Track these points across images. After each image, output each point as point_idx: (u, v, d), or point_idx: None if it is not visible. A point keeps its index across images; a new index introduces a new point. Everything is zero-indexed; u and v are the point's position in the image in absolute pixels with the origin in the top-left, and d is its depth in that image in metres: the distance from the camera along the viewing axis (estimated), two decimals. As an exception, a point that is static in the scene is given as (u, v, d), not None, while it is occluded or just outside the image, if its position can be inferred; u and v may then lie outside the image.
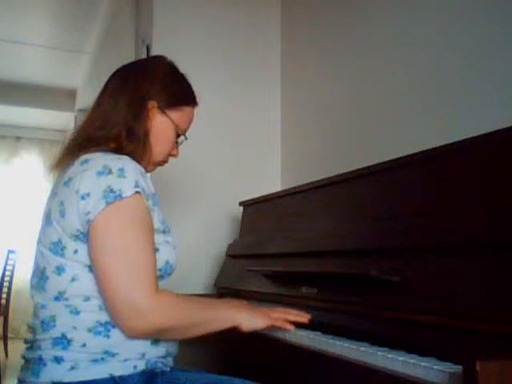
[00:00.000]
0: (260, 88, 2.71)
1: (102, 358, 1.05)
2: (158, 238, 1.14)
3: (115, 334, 1.07)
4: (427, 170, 1.29)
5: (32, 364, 1.09)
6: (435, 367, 0.84)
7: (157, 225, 1.15)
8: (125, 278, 1.03)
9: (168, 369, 1.16)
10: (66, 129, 6.47)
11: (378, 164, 1.47)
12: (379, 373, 0.95)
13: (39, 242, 1.15)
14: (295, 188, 1.89)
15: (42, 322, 1.09)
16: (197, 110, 1.36)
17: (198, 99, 1.35)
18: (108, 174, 1.07)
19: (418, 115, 1.79)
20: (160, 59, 1.35)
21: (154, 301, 1.04)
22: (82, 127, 1.25)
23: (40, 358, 1.07)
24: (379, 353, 0.97)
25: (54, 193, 1.15)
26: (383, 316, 1.18)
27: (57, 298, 1.09)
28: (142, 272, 1.04)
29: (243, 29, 2.70)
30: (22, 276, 5.58)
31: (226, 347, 1.64)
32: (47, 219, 1.13)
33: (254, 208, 2.18)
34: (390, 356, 0.94)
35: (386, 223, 1.34)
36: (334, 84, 2.31)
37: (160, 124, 1.26)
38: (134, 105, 1.22)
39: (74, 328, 1.06)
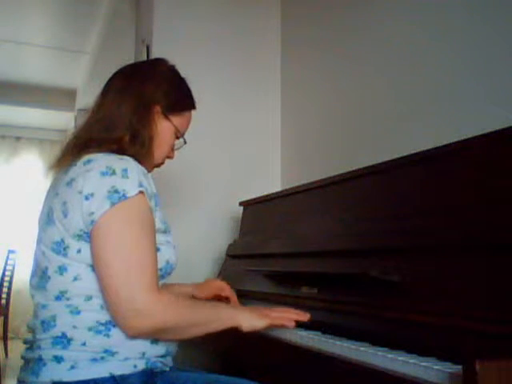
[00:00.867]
0: (260, 88, 2.71)
1: (102, 358, 1.05)
2: (160, 238, 1.15)
3: (115, 333, 1.07)
4: (427, 170, 1.29)
5: (32, 364, 1.09)
6: (435, 367, 0.84)
7: (158, 225, 1.15)
8: (127, 278, 1.03)
9: (168, 368, 1.16)
10: (66, 129, 6.47)
11: (377, 164, 1.47)
12: (379, 373, 0.96)
13: (39, 241, 1.15)
14: (295, 188, 1.89)
15: (43, 322, 1.09)
16: (195, 112, 1.38)
17: (196, 103, 1.37)
18: (112, 174, 1.08)
19: (417, 116, 1.79)
20: (162, 63, 1.35)
21: (155, 300, 1.04)
22: (82, 128, 1.24)
23: (40, 358, 1.07)
24: (379, 353, 0.97)
25: (54, 193, 1.15)
26: (383, 316, 1.18)
27: (58, 298, 1.09)
28: (144, 272, 1.05)
29: (243, 29, 2.70)
30: (22, 276, 5.58)
31: (225, 347, 1.64)
32: (48, 219, 1.13)
33: (253, 208, 2.18)
34: (389, 356, 0.94)
35: (386, 223, 1.34)
36: (333, 84, 2.31)
37: (162, 128, 1.27)
38: (139, 108, 1.22)
39: (75, 327, 1.06)
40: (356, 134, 2.13)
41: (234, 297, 1.54)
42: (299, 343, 1.20)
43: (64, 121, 6.18)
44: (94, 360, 1.05)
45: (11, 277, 5.41)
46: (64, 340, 1.06)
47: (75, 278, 1.08)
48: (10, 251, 5.47)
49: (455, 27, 1.65)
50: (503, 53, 1.48)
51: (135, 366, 1.07)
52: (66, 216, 1.09)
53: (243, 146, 2.63)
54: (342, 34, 2.27)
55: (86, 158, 1.13)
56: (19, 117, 6.21)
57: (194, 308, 1.15)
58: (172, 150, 1.34)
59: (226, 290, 1.54)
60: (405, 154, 1.39)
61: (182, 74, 1.36)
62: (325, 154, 2.33)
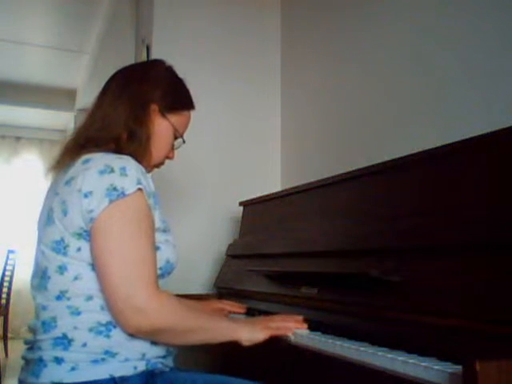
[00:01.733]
0: (260, 88, 2.71)
1: (103, 359, 1.05)
2: (159, 237, 1.15)
3: (116, 334, 1.07)
4: (427, 170, 1.29)
5: (32, 365, 1.09)
6: (435, 367, 0.84)
7: (158, 223, 1.16)
8: (126, 276, 1.04)
9: (168, 369, 1.16)
10: (65, 129, 6.47)
11: (377, 164, 1.47)
12: (379, 373, 0.95)
13: (40, 241, 1.15)
14: (295, 188, 1.89)
15: (43, 323, 1.09)
16: (194, 112, 1.38)
17: (195, 103, 1.37)
18: (110, 172, 1.08)
19: (417, 116, 1.79)
20: (160, 63, 1.36)
21: (154, 299, 1.04)
22: (81, 128, 1.25)
23: (40, 359, 1.07)
24: (379, 353, 0.97)
25: (54, 192, 1.15)
26: (383, 316, 1.18)
27: (58, 298, 1.09)
28: (143, 270, 1.05)
29: (243, 30, 2.71)
30: (22, 276, 5.58)
31: (225, 347, 1.64)
32: (48, 218, 1.13)
33: (253, 208, 2.18)
34: (389, 356, 0.94)
35: (386, 223, 1.34)
36: (333, 85, 2.31)
37: (160, 127, 1.28)
38: (136, 107, 1.23)
39: (75, 328, 1.06)
40: (356, 134, 2.13)
41: (237, 308, 1.58)
42: (299, 343, 1.20)
43: (64, 121, 6.18)
44: (95, 361, 1.05)
45: (11, 277, 5.41)
46: (65, 341, 1.06)
47: (75, 278, 1.08)
48: (10, 251, 5.47)
49: (455, 28, 1.65)
50: (503, 53, 1.48)
51: (135, 368, 1.08)
52: (65, 215, 1.09)
53: (243, 146, 2.63)
54: (341, 35, 2.27)
55: (84, 157, 1.14)
56: (19, 117, 6.21)
57: (193, 313, 1.15)
58: (172, 150, 1.34)
59: (228, 307, 1.57)
60: (404, 154, 1.39)
61: (182, 73, 1.37)
62: (325, 154, 2.33)
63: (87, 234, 1.08)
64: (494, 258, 0.99)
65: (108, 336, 1.07)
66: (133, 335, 1.07)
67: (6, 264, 5.37)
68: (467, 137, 1.20)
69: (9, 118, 6.29)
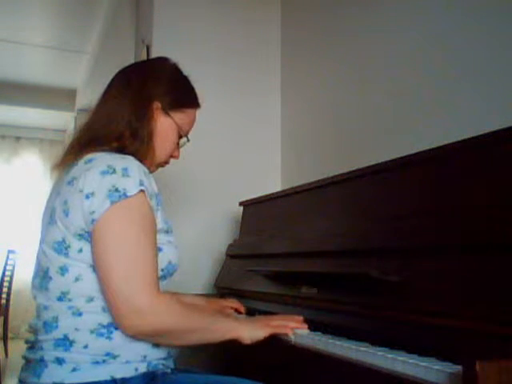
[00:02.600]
0: (260, 89, 2.71)
1: (104, 360, 1.05)
2: (162, 238, 1.15)
3: (117, 335, 1.07)
4: (427, 170, 1.29)
5: (33, 365, 1.09)
6: (435, 367, 0.84)
7: (160, 224, 1.15)
8: (126, 277, 1.03)
9: (169, 370, 1.16)
10: (65, 129, 6.47)
11: (377, 164, 1.47)
12: (379, 373, 0.95)
13: (42, 241, 1.15)
14: (295, 188, 1.89)
15: (45, 323, 1.09)
16: (198, 112, 1.37)
17: (200, 101, 1.35)
18: (112, 173, 1.07)
19: (416, 117, 1.79)
20: (164, 61, 1.34)
21: (155, 301, 1.04)
22: (84, 127, 1.24)
23: (41, 359, 1.07)
24: (379, 353, 0.97)
25: (56, 192, 1.15)
26: (383, 316, 1.18)
27: (60, 299, 1.09)
28: (143, 272, 1.05)
29: (243, 30, 2.70)
30: (22, 276, 5.58)
31: (226, 347, 1.64)
32: (50, 218, 1.13)
33: (253, 208, 2.18)
34: (389, 356, 0.94)
35: (386, 223, 1.34)
36: (333, 84, 2.31)
37: (163, 125, 1.26)
38: (138, 105, 1.22)
39: (77, 329, 1.06)
40: (356, 134, 2.13)
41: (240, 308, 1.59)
42: (299, 343, 1.20)
43: (64, 121, 6.18)
44: (96, 363, 1.05)
45: (11, 277, 5.41)
46: (66, 342, 1.06)
47: (76, 279, 1.08)
48: (10, 251, 5.47)
49: (455, 28, 1.65)
50: (503, 53, 1.48)
51: (136, 369, 1.07)
52: (67, 215, 1.09)
53: (243, 146, 2.63)
54: (342, 36, 2.27)
55: (87, 156, 1.13)
56: (19, 117, 6.21)
57: (194, 313, 1.14)
58: (176, 148, 1.33)
59: (231, 305, 1.58)
60: (404, 154, 1.39)
61: (185, 74, 1.36)
62: (325, 155, 2.33)
63: (88, 235, 1.07)
64: (494, 258, 0.99)
65: (109, 338, 1.06)
66: (134, 337, 1.07)
67: (6, 264, 5.37)
68: (467, 137, 1.20)
69: (9, 118, 6.29)
